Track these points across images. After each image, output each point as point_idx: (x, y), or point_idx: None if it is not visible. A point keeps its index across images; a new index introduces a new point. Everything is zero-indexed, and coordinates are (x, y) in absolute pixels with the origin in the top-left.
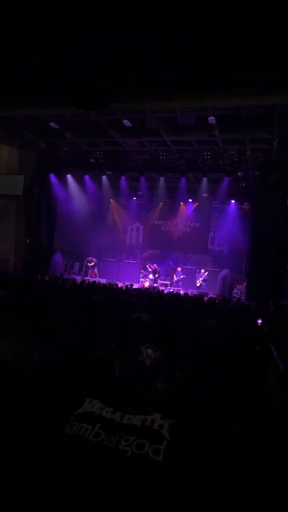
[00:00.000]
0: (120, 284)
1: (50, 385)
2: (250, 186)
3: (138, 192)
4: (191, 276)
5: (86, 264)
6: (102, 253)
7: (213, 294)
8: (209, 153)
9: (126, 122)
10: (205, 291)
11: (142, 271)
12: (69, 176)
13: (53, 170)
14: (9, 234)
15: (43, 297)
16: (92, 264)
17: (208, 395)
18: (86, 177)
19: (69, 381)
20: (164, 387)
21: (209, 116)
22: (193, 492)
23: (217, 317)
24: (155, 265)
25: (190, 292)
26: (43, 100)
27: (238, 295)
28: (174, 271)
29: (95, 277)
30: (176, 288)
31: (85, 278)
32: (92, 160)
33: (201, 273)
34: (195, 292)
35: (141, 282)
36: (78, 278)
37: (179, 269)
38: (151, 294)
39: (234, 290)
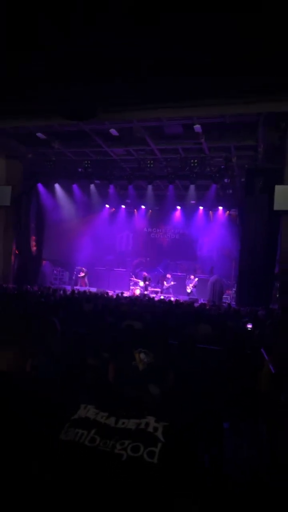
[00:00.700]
0: (110, 293)
1: (44, 392)
2: (237, 192)
3: (127, 200)
4: (181, 283)
5: (76, 274)
6: (92, 262)
7: (203, 300)
8: (196, 160)
9: (113, 131)
10: (196, 297)
11: (132, 278)
12: (57, 186)
13: (41, 180)
14: None
15: (34, 307)
16: (83, 275)
17: (201, 398)
18: (74, 186)
19: (63, 388)
20: (158, 391)
21: (195, 125)
22: (189, 493)
23: (209, 322)
24: (144, 272)
25: (181, 298)
26: (29, 112)
27: (228, 300)
28: (164, 278)
29: (86, 286)
30: (166, 295)
31: (75, 287)
32: (80, 169)
33: (191, 280)
34: (186, 298)
35: (132, 290)
36: (68, 288)
37: (168, 276)
38: (143, 302)
39: (224, 296)
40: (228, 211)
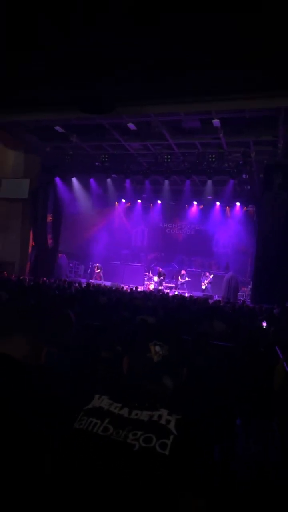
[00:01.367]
0: (125, 287)
1: (58, 382)
2: (255, 188)
3: (143, 195)
4: (196, 279)
5: (92, 268)
6: (107, 256)
7: (218, 297)
8: (213, 155)
9: (131, 126)
10: (210, 294)
11: (147, 273)
12: (74, 180)
13: (59, 174)
14: (15, 238)
15: (49, 299)
16: (99, 271)
17: (214, 394)
18: (91, 180)
19: (77, 379)
20: (171, 383)
21: (213, 119)
22: (196, 487)
23: (223, 319)
24: (159, 267)
25: (195, 295)
26: (48, 105)
27: (243, 297)
28: (178, 273)
29: (100, 280)
30: (181, 291)
31: (90, 281)
32: (97, 163)
33: (207, 276)
34: (200, 295)
35: (146, 285)
36: (83, 281)
37: (183, 272)
38: (156, 297)
39: (239, 293)
40: (245, 207)
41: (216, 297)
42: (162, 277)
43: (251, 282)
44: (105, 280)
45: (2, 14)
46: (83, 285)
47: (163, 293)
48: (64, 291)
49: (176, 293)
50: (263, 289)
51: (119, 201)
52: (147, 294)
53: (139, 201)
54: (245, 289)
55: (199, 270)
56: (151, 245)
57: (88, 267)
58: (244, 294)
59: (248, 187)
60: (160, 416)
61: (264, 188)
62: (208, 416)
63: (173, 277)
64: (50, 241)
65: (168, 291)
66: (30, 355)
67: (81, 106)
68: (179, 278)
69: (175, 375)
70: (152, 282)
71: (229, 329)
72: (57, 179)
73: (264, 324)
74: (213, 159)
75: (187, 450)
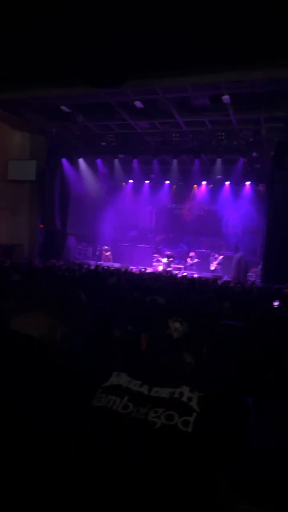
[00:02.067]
0: (133, 269)
1: (74, 360)
2: (266, 167)
3: (151, 175)
4: (205, 260)
5: (101, 251)
6: (115, 237)
7: (228, 277)
8: (223, 133)
9: (138, 104)
10: (220, 275)
11: (155, 255)
12: (81, 160)
13: (65, 155)
14: (23, 220)
15: (59, 281)
16: (108, 253)
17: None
18: (98, 160)
19: (92, 357)
20: (192, 360)
21: (223, 95)
22: (222, 464)
23: (232, 299)
24: (167, 251)
25: (204, 276)
26: (55, 79)
27: (253, 278)
28: (187, 254)
29: (109, 262)
30: (190, 272)
31: (99, 262)
32: (104, 143)
33: (216, 257)
34: (209, 275)
35: (155, 266)
36: (92, 263)
37: (192, 254)
38: (165, 278)
39: (249, 273)
40: (256, 186)
41: (225, 278)
42: (171, 258)
43: (261, 262)
44: (113, 261)
45: None
46: (92, 267)
47: (172, 274)
48: (73, 273)
49: (185, 274)
50: (273, 269)
51: (127, 182)
52: (156, 275)
53: (147, 181)
54: (255, 269)
55: (208, 251)
56: (159, 226)
57: (97, 248)
58: (254, 275)
59: (259, 166)
60: (181, 393)
61: (275, 166)
62: (230, 393)
63: (182, 258)
64: (58, 223)
65: (177, 272)
66: (46, 334)
67: (89, 80)
68: (188, 259)
69: (196, 351)
70: (161, 264)
71: (239, 309)
72: (64, 160)
73: (276, 303)
74: (223, 137)
75: (211, 428)
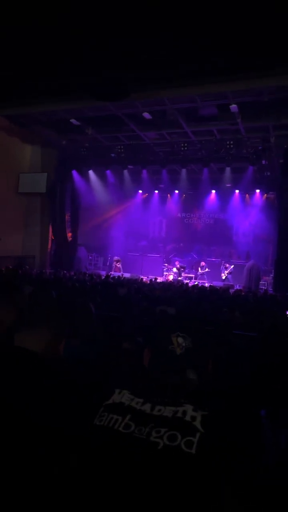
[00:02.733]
0: (144, 278)
1: (77, 376)
2: (275, 174)
3: (160, 185)
4: (215, 269)
5: (112, 261)
6: (125, 247)
7: (239, 286)
8: (231, 142)
9: (146, 115)
10: (231, 284)
11: (166, 264)
12: (91, 172)
13: (75, 167)
14: (34, 232)
15: (69, 292)
16: (118, 264)
17: (239, 387)
18: (108, 172)
19: (97, 372)
20: (196, 377)
21: (231, 104)
22: (227, 485)
23: (244, 308)
24: (177, 262)
25: (215, 285)
26: (63, 94)
27: (265, 286)
28: (198, 264)
29: (119, 272)
30: (201, 281)
31: (110, 273)
32: (113, 155)
33: (227, 267)
34: (221, 284)
35: (165, 276)
36: (103, 273)
37: (203, 263)
38: (176, 287)
39: (261, 282)
40: (265, 194)
41: (237, 287)
42: (182, 268)
43: (273, 271)
44: (124, 271)
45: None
46: (103, 277)
47: (183, 283)
48: (84, 284)
49: (196, 283)
50: (285, 277)
51: (136, 192)
52: (166, 285)
53: (156, 191)
54: (267, 277)
55: (219, 260)
56: (170, 235)
57: (107, 259)
58: (266, 283)
59: (268, 173)
60: (184, 412)
61: (284, 173)
62: (235, 410)
63: (193, 267)
64: (69, 234)
65: (188, 281)
66: (49, 347)
67: (95, 94)
68: (199, 269)
69: (200, 368)
70: (171, 273)
71: (251, 318)
72: (74, 172)
73: None
74: (231, 146)
75: (215, 449)
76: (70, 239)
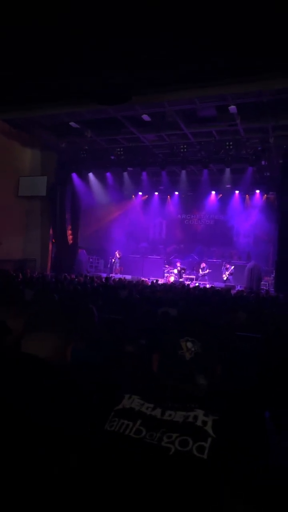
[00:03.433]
0: (145, 280)
1: (86, 381)
2: (275, 174)
3: (160, 187)
4: (217, 270)
5: (111, 260)
6: (125, 249)
7: (240, 287)
8: (231, 143)
9: (145, 117)
10: (233, 285)
11: (166, 266)
12: (90, 175)
13: (75, 169)
14: (35, 235)
15: (71, 295)
16: (118, 257)
17: (245, 390)
18: (108, 174)
19: (105, 377)
20: (205, 382)
21: (230, 106)
22: (239, 490)
23: (246, 309)
24: (178, 263)
25: (217, 286)
26: (62, 98)
27: (266, 287)
28: (199, 265)
29: (120, 274)
30: (202, 282)
31: (110, 275)
32: (112, 157)
33: (227, 268)
34: (222, 285)
35: (166, 277)
36: (103, 275)
37: (203, 265)
38: (177, 289)
39: (262, 282)
40: (265, 195)
41: (238, 287)
42: (182, 270)
43: (274, 271)
44: (125, 273)
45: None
46: (103, 280)
47: (184, 285)
48: (85, 286)
49: (197, 284)
50: (286, 277)
51: (136, 194)
52: (168, 287)
53: (156, 193)
54: (268, 278)
55: (220, 261)
56: (170, 237)
57: (108, 261)
58: (267, 283)
59: (268, 174)
60: (195, 417)
61: (284, 174)
62: (245, 414)
63: (194, 268)
64: (69, 237)
65: (189, 282)
66: (56, 352)
67: (95, 97)
68: (200, 270)
69: (209, 373)
70: (172, 275)
71: (253, 319)
72: (74, 175)
73: None
74: (231, 147)
75: (227, 454)
76: (70, 242)
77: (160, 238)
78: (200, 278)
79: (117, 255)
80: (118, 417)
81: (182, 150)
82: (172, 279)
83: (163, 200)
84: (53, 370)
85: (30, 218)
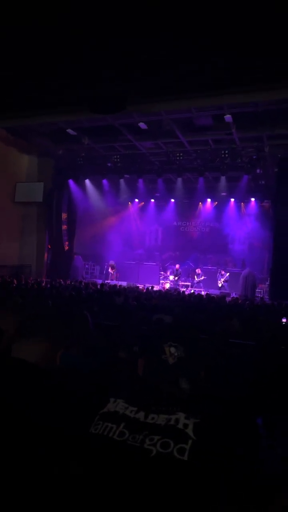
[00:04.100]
0: (140, 286)
1: (73, 385)
2: (270, 183)
3: (156, 194)
4: (212, 277)
5: (107, 267)
6: (121, 256)
7: (235, 294)
8: (226, 151)
9: (142, 125)
10: (228, 292)
11: (162, 272)
12: (87, 181)
13: (72, 176)
14: (31, 241)
15: (66, 301)
16: (113, 270)
17: (233, 393)
18: (104, 181)
19: (93, 381)
20: (188, 386)
21: (225, 115)
22: (219, 491)
23: (241, 316)
24: (177, 265)
25: (212, 292)
26: (58, 106)
27: (261, 294)
28: (194, 272)
29: (115, 280)
30: (197, 289)
31: (106, 281)
32: (109, 164)
33: (223, 274)
34: (217, 292)
35: (162, 284)
36: (99, 281)
37: (198, 271)
38: (173, 296)
39: (257, 290)
40: (261, 203)
41: (233, 295)
42: (177, 277)
43: (268, 279)
44: (120, 280)
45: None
46: (98, 286)
47: (180, 291)
48: (80, 292)
49: (192, 291)
50: (281, 285)
51: (132, 201)
52: (163, 293)
53: (152, 200)
54: (263, 285)
55: (215, 268)
56: (166, 244)
57: (104, 267)
58: (262, 291)
59: (263, 182)
60: (177, 420)
61: (279, 182)
62: (227, 418)
63: (189, 275)
64: (65, 243)
65: (184, 289)
66: (46, 357)
67: (91, 107)
68: (195, 277)
69: (192, 377)
70: (168, 281)
71: (248, 326)
72: (71, 182)
73: (284, 320)
74: (226, 155)
75: (207, 455)
76: (66, 248)
77: (156, 244)
78: (195, 285)
79: (110, 269)
80: (103, 420)
81: (178, 158)
82: (167, 285)
83: (159, 207)
84: (42, 374)
85: (26, 224)
